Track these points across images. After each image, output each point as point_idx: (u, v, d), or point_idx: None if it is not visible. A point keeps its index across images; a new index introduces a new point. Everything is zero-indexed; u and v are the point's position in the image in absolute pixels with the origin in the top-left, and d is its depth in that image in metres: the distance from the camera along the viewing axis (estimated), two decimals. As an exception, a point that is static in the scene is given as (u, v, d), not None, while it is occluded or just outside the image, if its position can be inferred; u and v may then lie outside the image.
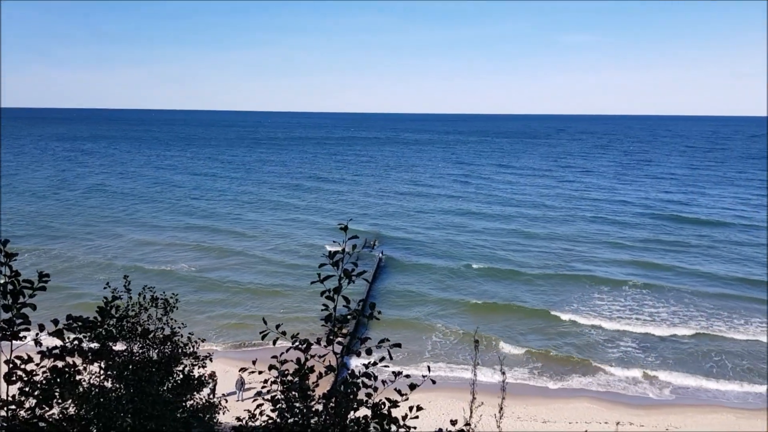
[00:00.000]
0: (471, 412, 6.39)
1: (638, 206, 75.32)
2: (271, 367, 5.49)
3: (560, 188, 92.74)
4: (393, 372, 5.72)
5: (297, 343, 5.40)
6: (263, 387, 5.54)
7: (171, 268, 46.49)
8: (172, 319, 9.69)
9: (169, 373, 8.55)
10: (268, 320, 5.28)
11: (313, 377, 5.51)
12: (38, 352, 4.91)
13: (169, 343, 9.01)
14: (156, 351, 8.79)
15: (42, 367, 4.91)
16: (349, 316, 5.59)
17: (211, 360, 10.54)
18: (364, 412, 5.31)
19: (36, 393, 4.62)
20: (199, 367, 9.56)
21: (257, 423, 5.72)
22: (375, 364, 5.61)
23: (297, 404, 5.32)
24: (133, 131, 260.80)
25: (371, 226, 61.10)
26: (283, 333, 5.57)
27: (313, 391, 5.42)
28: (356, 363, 26.41)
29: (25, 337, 4.43)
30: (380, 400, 5.33)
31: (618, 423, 24.32)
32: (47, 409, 4.69)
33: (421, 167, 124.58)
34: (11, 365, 4.46)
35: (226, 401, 12.98)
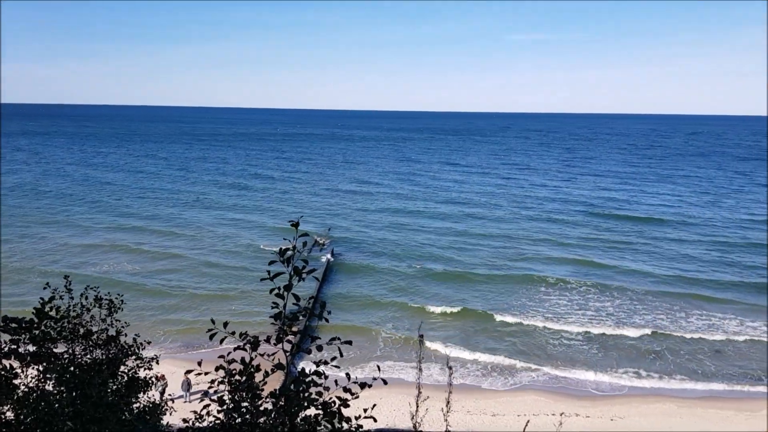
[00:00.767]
0: (417, 407, 6.54)
1: (580, 204, 77.40)
2: (218, 368, 5.47)
3: (505, 186, 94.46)
4: (346, 374, 5.79)
5: (245, 342, 5.40)
6: (210, 387, 5.51)
7: (111, 272, 44.90)
8: (117, 320, 9.46)
9: (113, 375, 8.36)
10: (217, 322, 5.26)
11: (261, 376, 5.52)
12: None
13: (113, 344, 8.79)
14: (100, 352, 8.56)
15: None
16: (299, 314, 5.63)
17: (157, 362, 10.35)
18: (315, 411, 5.35)
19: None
20: (144, 369, 9.37)
21: (204, 424, 5.69)
22: (326, 362, 5.67)
23: (245, 404, 5.32)
24: (71, 127, 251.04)
25: (318, 226, 60.66)
26: (232, 333, 5.56)
27: (262, 390, 5.43)
28: (307, 362, 26.32)
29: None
30: (330, 399, 5.38)
31: (562, 413, 25.12)
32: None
33: (368, 165, 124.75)
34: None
35: (173, 401, 12.73)
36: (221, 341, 5.33)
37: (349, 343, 6.13)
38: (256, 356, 5.42)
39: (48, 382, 6.90)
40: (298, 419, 5.25)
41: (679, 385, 30.15)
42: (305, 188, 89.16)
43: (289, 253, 5.45)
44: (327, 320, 5.46)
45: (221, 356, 5.54)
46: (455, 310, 38.23)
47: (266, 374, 5.54)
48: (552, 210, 73.06)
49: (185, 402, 26.33)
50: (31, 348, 5.75)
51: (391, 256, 51.13)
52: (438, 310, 38.36)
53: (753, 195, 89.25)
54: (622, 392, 29.24)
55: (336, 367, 5.60)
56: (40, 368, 6.76)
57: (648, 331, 36.00)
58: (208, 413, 5.51)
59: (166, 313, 37.68)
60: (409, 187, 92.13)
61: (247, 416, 5.20)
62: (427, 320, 36.85)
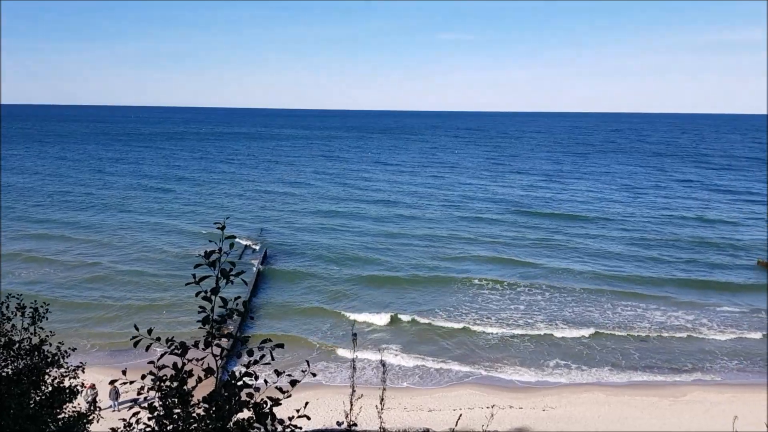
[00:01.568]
0: (351, 405, 6.65)
1: (508, 203, 79.07)
2: (144, 375, 5.40)
3: (435, 185, 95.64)
4: (276, 371, 5.83)
5: (173, 348, 5.35)
6: (139, 394, 5.44)
7: (22, 285, 42.40)
8: (41, 328, 9.08)
9: (36, 384, 8.02)
10: (151, 332, 5.19)
11: (192, 381, 5.48)
12: None
13: (36, 354, 8.44)
14: (23, 362, 8.19)
15: None
16: (227, 317, 5.62)
17: (83, 371, 10.02)
18: (248, 413, 5.36)
19: None
20: (70, 378, 9.04)
21: (134, 432, 5.61)
22: (256, 362, 5.69)
23: (176, 410, 5.28)
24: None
25: (247, 230, 59.59)
26: (157, 339, 5.50)
27: (193, 395, 5.40)
28: (238, 365, 25.93)
29: None
30: (262, 400, 5.41)
31: (494, 406, 25.92)
32: None
33: (297, 165, 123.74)
34: None
35: (100, 408, 12.32)
36: (146, 348, 5.26)
37: (281, 346, 6.18)
38: (186, 362, 5.39)
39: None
40: (231, 423, 5.25)
41: (608, 375, 31.66)
42: (232, 190, 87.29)
43: (216, 255, 5.44)
44: (252, 317, 5.50)
45: (151, 362, 5.47)
46: (389, 314, 38.22)
47: (198, 380, 5.51)
48: (480, 209, 74.37)
49: (114, 411, 25.79)
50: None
51: (323, 260, 50.82)
52: (371, 314, 38.28)
53: (670, 190, 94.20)
54: (553, 384, 30.46)
55: (266, 364, 5.63)
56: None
57: (577, 326, 37.53)
58: (137, 421, 5.42)
59: (93, 325, 36.15)
60: (340, 188, 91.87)
61: (179, 422, 5.16)
62: (360, 325, 36.93)
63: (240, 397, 5.32)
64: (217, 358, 5.44)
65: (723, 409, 26.08)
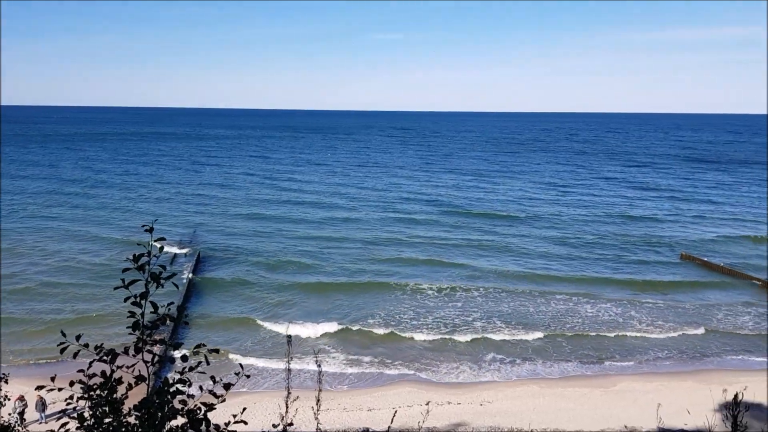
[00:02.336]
0: (287, 407, 6.66)
1: (441, 204, 79.61)
2: (72, 383, 5.24)
3: (368, 186, 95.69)
4: (211, 377, 5.76)
5: (102, 354, 5.21)
6: (68, 404, 5.27)
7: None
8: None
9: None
10: (73, 337, 5.03)
11: (123, 389, 5.36)
12: None
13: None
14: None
15: None
16: (158, 322, 5.53)
17: (6, 381, 9.57)
18: (182, 420, 5.28)
19: None
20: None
21: (62, 444, 5.41)
22: (192, 369, 5.61)
23: (107, 419, 5.14)
24: None
25: (175, 236, 57.48)
26: (85, 345, 5.34)
27: (123, 404, 5.27)
28: (172, 372, 25.29)
29: None
30: (196, 406, 5.34)
31: (428, 402, 26.38)
32: None
33: (227, 166, 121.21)
34: None
35: (24, 420, 11.79)
36: (74, 355, 5.09)
37: (216, 351, 6.11)
38: (117, 369, 5.25)
39: None
40: (164, 431, 5.16)
41: (542, 369, 32.73)
42: (158, 194, 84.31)
43: (145, 258, 5.33)
44: (187, 323, 5.43)
45: (81, 370, 5.30)
46: (325, 321, 37.76)
47: (129, 387, 5.38)
48: (415, 210, 74.77)
49: (41, 423, 24.77)
50: None
51: (257, 266, 49.72)
52: (307, 321, 37.77)
53: (595, 188, 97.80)
54: (490, 380, 31.27)
55: (201, 372, 5.56)
56: None
57: (511, 323, 38.55)
58: (66, 432, 5.24)
59: (16, 342, 34.01)
60: (272, 190, 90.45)
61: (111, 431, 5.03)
62: (296, 331, 36.21)
63: (173, 403, 5.23)
64: (148, 365, 5.33)
65: (651, 398, 27.38)
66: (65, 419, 5.25)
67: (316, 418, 6.95)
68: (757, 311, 41.32)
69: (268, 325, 37.38)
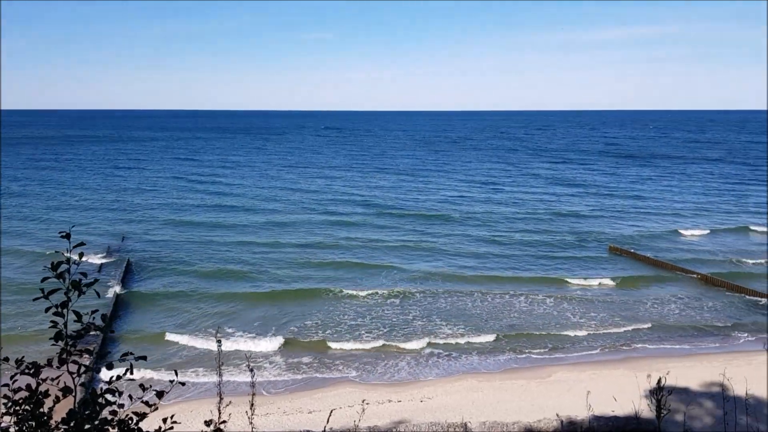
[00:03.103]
0: (219, 413, 6.64)
1: (375, 205, 79.10)
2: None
3: (300, 188, 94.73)
4: (140, 385, 5.65)
5: (23, 368, 5.05)
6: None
7: None
8: None
9: None
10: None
11: (50, 402, 5.22)
12: None
13: None
14: None
15: None
16: (82, 331, 5.40)
17: None
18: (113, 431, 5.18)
19: None
20: None
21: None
22: (119, 378, 5.50)
23: (33, 434, 4.99)
24: None
25: (97, 246, 54.65)
26: (5, 359, 5.19)
27: (51, 417, 5.12)
28: (101, 382, 24.33)
29: None
30: (127, 416, 5.25)
31: (364, 401, 26.56)
32: None
33: (155, 170, 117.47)
34: None
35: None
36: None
37: (144, 358, 5.99)
38: (42, 382, 5.11)
39: None
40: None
41: (480, 363, 33.48)
42: (80, 202, 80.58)
43: (64, 266, 5.21)
44: (113, 331, 5.31)
45: (5, 385, 5.13)
46: (261, 331, 37.09)
47: (56, 400, 5.22)
48: (347, 212, 74.28)
49: None
50: None
51: (189, 276, 48.08)
52: (243, 332, 36.89)
53: (524, 186, 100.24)
54: (429, 376, 31.71)
55: (131, 380, 5.44)
56: None
57: (449, 321, 39.17)
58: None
59: None
60: (201, 195, 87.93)
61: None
62: (234, 345, 35.03)
63: (100, 414, 5.12)
64: (74, 376, 5.20)
65: (584, 386, 28.35)
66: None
67: (251, 423, 6.90)
68: (683, 300, 43.47)
69: (202, 337, 36.09)
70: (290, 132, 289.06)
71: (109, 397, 5.24)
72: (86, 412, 4.99)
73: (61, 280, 5.17)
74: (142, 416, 5.26)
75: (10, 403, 5.02)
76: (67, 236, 5.38)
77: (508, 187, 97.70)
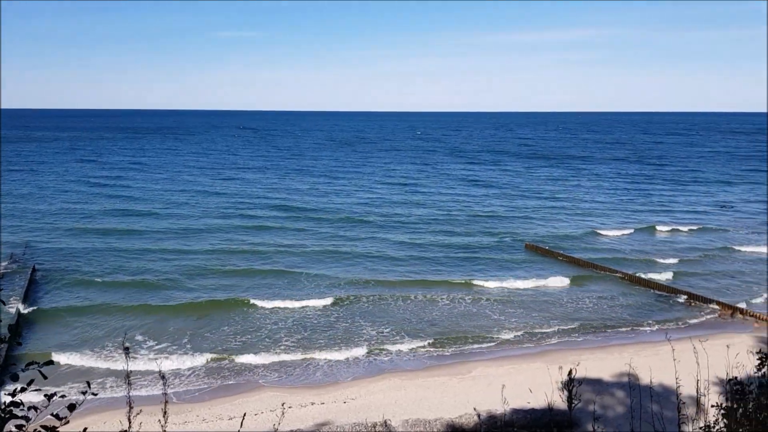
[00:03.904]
0: (129, 422, 6.51)
1: (292, 209, 78.02)
2: None
3: (214, 191, 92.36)
4: (45, 395, 5.38)
5: None
6: None
7: None
8: None
9: None
10: None
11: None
12: None
13: None
14: None
15: None
16: (-16, 342, 5.09)
17: None
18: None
19: None
20: None
21: None
22: (24, 389, 5.23)
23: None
24: None
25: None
26: None
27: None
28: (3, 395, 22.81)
29: None
30: (35, 430, 5.01)
31: (284, 404, 26.45)
32: None
33: (57, 173, 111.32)
34: None
35: None
36: None
37: (51, 363, 5.73)
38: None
39: None
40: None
41: (403, 362, 33.95)
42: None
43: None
44: (20, 343, 5.03)
45: None
46: (176, 344, 35.62)
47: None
48: (263, 216, 72.93)
49: None
50: None
51: (95, 288, 45.33)
52: (158, 346, 35.23)
53: (443, 187, 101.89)
54: (352, 377, 31.85)
55: (37, 390, 5.18)
56: None
57: (370, 323, 39.42)
58: None
59: None
60: (108, 199, 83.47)
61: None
62: (140, 367, 32.50)
63: (3, 428, 4.87)
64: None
65: (503, 381, 29.20)
66: None
67: (164, 430, 6.73)
68: (597, 296, 45.58)
69: (110, 355, 33.80)
70: (202, 132, 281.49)
71: (14, 410, 4.98)
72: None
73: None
74: (52, 430, 5.02)
75: None
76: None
77: (425, 189, 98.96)
